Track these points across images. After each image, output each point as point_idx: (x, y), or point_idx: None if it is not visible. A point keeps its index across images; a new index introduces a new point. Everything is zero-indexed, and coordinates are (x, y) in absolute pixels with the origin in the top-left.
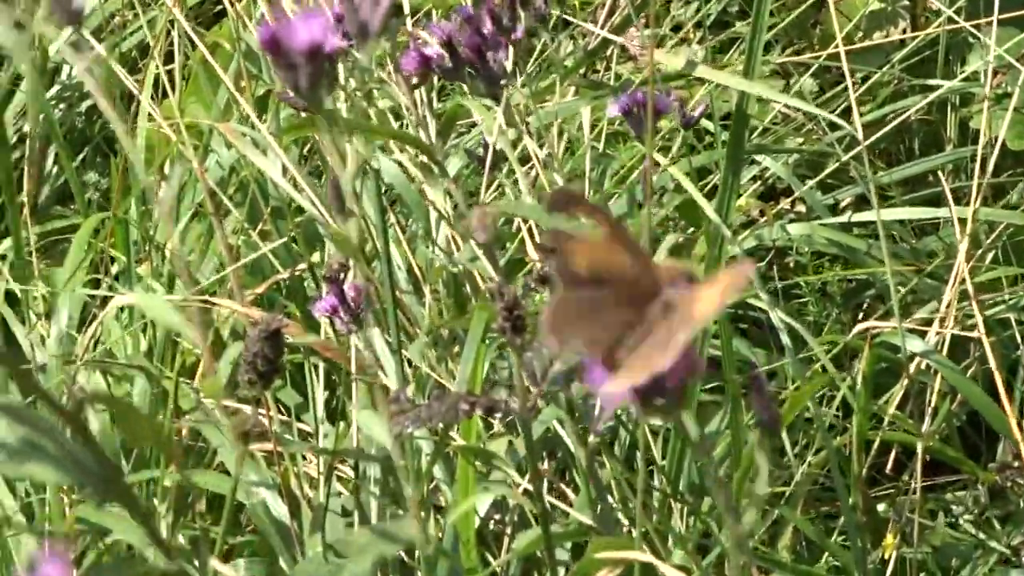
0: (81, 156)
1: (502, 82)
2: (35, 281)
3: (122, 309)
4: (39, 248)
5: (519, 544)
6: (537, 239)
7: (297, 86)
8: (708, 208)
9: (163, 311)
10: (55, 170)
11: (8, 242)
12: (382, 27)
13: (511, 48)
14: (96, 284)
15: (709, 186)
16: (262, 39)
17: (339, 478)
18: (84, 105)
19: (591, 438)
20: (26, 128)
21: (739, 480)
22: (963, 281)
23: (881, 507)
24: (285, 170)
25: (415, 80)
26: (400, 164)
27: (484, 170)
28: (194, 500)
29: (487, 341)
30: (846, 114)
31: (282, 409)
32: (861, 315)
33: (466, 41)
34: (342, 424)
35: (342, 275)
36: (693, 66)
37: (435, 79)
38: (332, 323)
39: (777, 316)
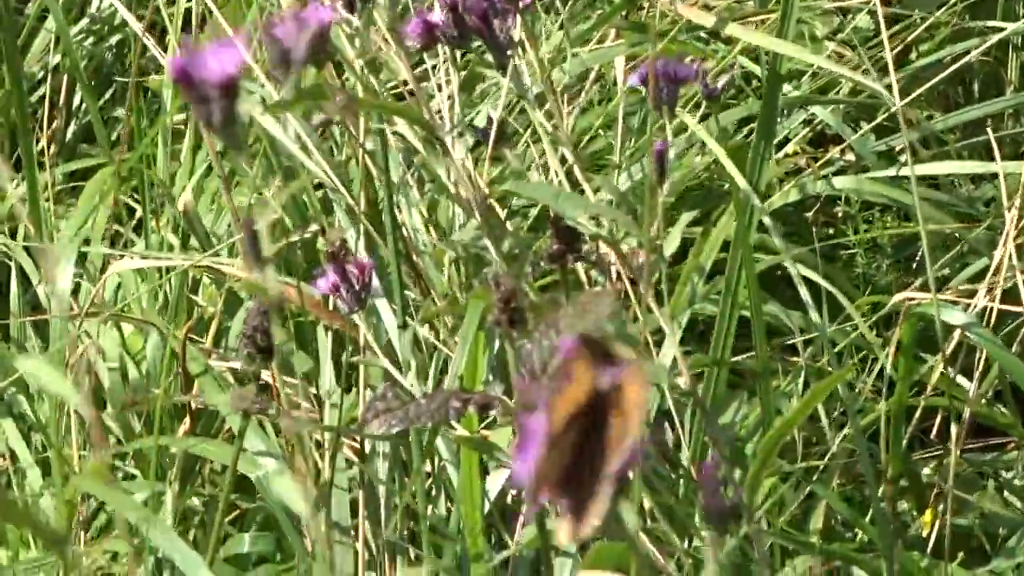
0: (111, 90)
1: (508, 52)
2: (54, 226)
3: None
4: (63, 189)
5: (524, 540)
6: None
7: (210, 121)
8: (739, 176)
9: (54, 380)
10: (84, 106)
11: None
12: (307, 56)
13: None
14: (117, 235)
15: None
16: (172, 71)
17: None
18: (114, 39)
19: None
20: (53, 62)
21: (763, 454)
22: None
23: (926, 471)
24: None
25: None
26: (402, 136)
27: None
28: (202, 466)
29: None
30: (902, 55)
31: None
32: (915, 265)
33: (473, 7)
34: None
35: (344, 252)
36: (724, 23)
37: None
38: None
39: (806, 289)
